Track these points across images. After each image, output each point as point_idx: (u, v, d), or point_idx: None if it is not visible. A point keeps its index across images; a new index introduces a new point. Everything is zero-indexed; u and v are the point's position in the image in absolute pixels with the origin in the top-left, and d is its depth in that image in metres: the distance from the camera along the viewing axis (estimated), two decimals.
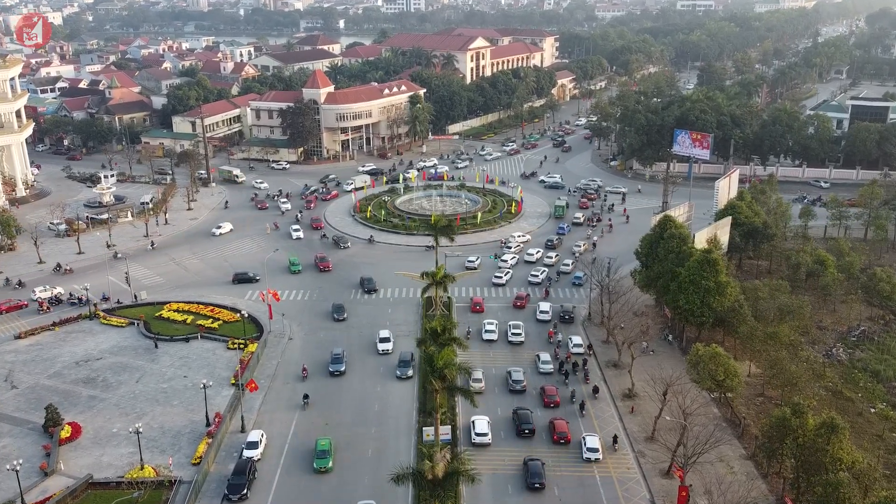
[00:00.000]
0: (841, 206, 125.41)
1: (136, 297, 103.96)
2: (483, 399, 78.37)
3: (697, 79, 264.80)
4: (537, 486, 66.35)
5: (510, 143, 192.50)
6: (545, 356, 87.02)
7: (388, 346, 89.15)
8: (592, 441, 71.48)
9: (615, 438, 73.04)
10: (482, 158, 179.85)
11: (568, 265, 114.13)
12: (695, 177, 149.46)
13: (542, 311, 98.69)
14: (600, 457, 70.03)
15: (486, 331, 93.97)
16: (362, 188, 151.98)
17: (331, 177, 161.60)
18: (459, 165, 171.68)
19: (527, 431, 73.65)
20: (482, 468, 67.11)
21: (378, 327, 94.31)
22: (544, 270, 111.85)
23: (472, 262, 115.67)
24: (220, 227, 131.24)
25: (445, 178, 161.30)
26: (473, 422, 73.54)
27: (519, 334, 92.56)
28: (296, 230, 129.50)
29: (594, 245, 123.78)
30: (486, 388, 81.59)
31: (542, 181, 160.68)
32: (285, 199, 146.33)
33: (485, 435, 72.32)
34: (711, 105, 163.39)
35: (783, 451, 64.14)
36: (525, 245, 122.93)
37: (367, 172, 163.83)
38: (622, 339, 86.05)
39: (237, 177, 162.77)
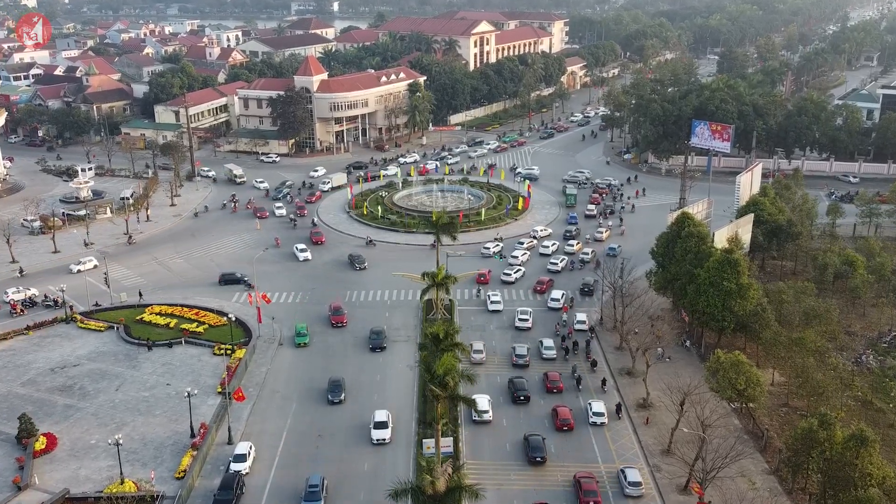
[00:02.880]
0: (871, 203, 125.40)
1: (140, 294, 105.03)
2: (484, 380, 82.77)
3: (717, 66, 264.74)
4: (539, 459, 71.50)
5: (489, 143, 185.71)
6: (548, 342, 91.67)
7: (385, 434, 74.51)
8: (598, 406, 78.65)
9: (618, 407, 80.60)
10: (466, 156, 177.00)
11: (587, 253, 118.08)
12: (714, 171, 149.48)
13: (552, 299, 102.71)
14: (605, 420, 77.09)
15: (492, 301, 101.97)
16: (339, 188, 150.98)
17: (287, 183, 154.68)
18: (450, 161, 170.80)
19: (522, 398, 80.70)
20: (483, 445, 74.22)
21: (379, 395, 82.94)
22: (563, 259, 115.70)
23: (488, 248, 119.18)
24: (80, 263, 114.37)
25: (447, 171, 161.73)
26: (475, 400, 75.74)
27: (526, 320, 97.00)
28: (302, 250, 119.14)
29: (621, 220, 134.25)
30: (487, 378, 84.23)
31: (518, 172, 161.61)
32: (281, 204, 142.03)
33: (486, 412, 77.56)
34: (732, 94, 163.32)
35: (809, 466, 64.23)
36: (540, 241, 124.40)
37: (321, 172, 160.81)
38: (636, 345, 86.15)
39: (237, 176, 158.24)
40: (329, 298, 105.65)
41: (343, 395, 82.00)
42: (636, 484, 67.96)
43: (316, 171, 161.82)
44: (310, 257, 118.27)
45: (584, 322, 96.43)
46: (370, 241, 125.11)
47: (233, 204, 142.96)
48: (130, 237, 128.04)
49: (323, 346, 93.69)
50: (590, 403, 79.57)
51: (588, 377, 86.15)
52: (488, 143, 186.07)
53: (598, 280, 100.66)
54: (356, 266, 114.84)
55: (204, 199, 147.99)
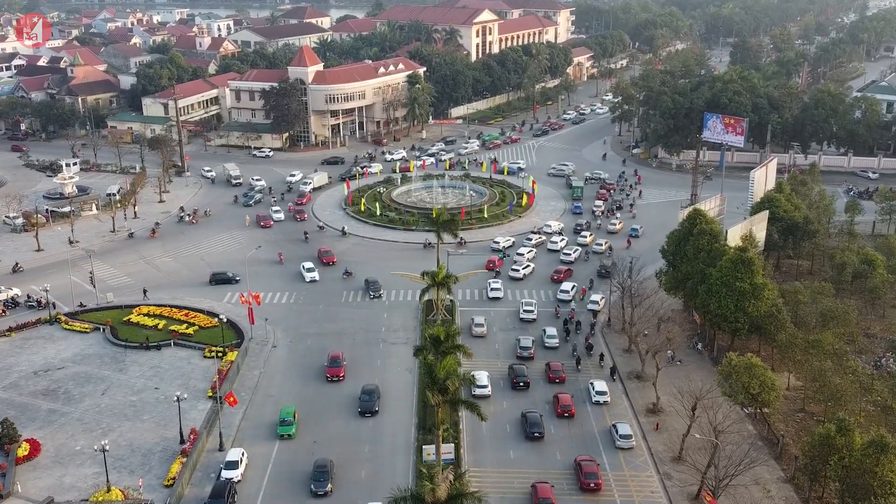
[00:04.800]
0: (891, 200, 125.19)
1: (145, 292, 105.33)
2: (486, 366, 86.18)
3: (730, 57, 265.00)
4: (537, 435, 75.86)
5: (468, 143, 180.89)
6: (551, 331, 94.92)
7: None
8: (600, 385, 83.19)
9: (601, 356, 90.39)
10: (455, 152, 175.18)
11: (601, 244, 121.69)
12: (727, 166, 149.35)
13: (562, 291, 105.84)
14: (609, 399, 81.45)
15: (492, 289, 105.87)
16: (321, 187, 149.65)
17: (258, 188, 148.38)
18: (443, 157, 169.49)
19: (521, 384, 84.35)
20: (486, 451, 75.42)
21: (370, 473, 72.44)
22: (577, 249, 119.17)
23: (497, 243, 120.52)
24: None
25: (448, 166, 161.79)
26: (473, 375, 78.75)
27: (531, 311, 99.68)
28: (309, 270, 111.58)
29: (631, 205, 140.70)
30: (489, 374, 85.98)
31: (507, 167, 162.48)
32: (278, 208, 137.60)
33: (485, 387, 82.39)
34: (746, 86, 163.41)
35: (826, 474, 64.13)
36: (549, 236, 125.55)
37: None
38: (646, 347, 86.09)
39: (233, 178, 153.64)
40: (325, 299, 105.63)
41: (330, 484, 69.30)
42: (627, 437, 75.21)
43: (293, 174, 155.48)
44: (317, 278, 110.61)
45: (596, 303, 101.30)
46: (428, 243, 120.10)
47: (187, 216, 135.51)
48: (131, 233, 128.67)
49: (312, 412, 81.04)
50: (591, 383, 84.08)
51: (587, 360, 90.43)
52: (468, 143, 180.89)
53: (616, 262, 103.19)
54: (371, 294, 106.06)
55: (193, 197, 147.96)
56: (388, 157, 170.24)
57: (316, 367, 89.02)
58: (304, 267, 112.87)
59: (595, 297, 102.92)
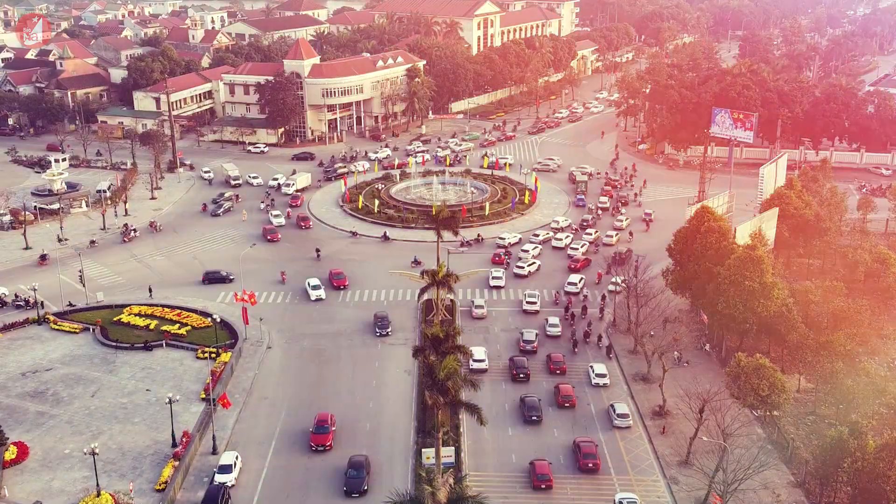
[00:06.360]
0: None
1: (150, 290, 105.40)
2: (488, 385, 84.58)
3: (739, 50, 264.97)
4: (535, 418, 78.58)
5: (451, 142, 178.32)
6: (553, 320, 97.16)
7: None
8: (600, 368, 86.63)
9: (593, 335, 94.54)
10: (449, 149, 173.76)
11: (612, 236, 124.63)
12: (736, 162, 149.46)
13: (569, 283, 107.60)
14: (608, 382, 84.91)
15: (494, 277, 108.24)
16: (304, 189, 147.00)
17: (226, 195, 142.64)
18: (439, 154, 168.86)
19: (522, 376, 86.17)
20: (487, 455, 75.53)
21: None
22: (585, 244, 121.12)
23: (503, 240, 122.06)
24: None
25: (448, 162, 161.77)
26: (471, 352, 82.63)
27: (534, 303, 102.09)
28: (315, 287, 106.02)
29: (636, 195, 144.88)
30: (490, 366, 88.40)
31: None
32: (278, 212, 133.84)
33: (482, 361, 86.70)
34: (755, 80, 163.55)
35: (838, 478, 64.17)
36: (555, 233, 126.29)
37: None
38: (652, 348, 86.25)
39: (231, 178, 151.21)
40: (322, 300, 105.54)
41: None
42: (624, 416, 78.62)
43: (276, 178, 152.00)
44: (323, 296, 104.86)
45: (617, 283, 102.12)
46: (466, 242, 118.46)
47: (130, 232, 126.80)
48: (126, 231, 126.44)
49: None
50: (591, 366, 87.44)
51: (584, 346, 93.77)
52: (450, 142, 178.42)
53: (632, 250, 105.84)
54: (377, 331, 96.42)
55: (186, 193, 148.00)
56: (373, 155, 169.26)
57: (301, 426, 78.46)
58: (309, 284, 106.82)
59: (616, 279, 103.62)
